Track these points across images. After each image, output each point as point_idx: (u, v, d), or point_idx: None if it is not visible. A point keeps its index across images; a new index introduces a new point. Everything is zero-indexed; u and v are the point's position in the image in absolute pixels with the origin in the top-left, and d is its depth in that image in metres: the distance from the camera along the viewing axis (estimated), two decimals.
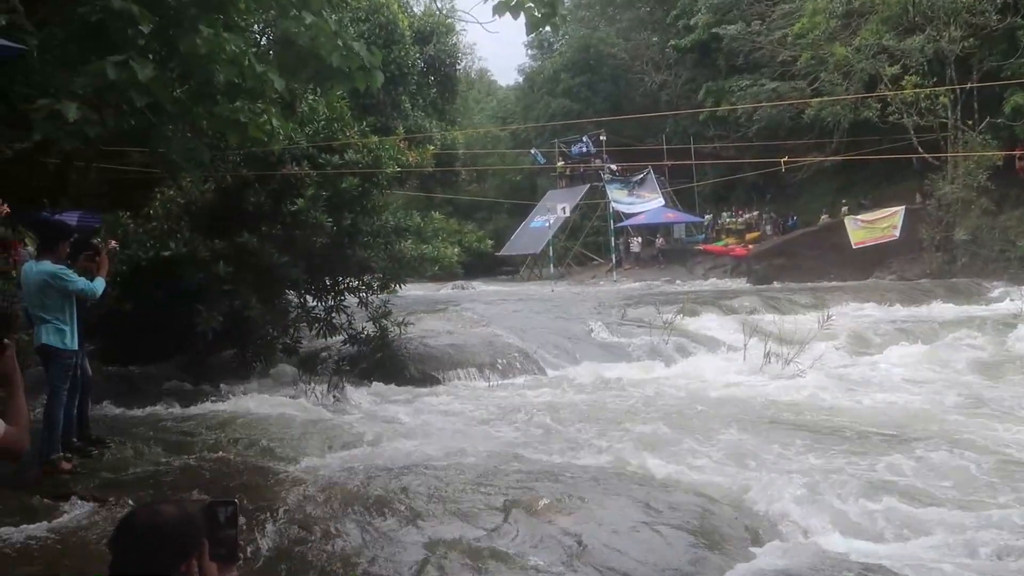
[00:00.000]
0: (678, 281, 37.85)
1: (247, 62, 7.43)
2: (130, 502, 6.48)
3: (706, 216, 46.22)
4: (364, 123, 14.72)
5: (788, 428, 9.71)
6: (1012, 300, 20.70)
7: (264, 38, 12.61)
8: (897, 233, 31.54)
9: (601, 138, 47.92)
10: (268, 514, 6.25)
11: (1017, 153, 29.52)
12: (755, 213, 43.43)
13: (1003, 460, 8.14)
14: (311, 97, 13.47)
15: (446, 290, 37.30)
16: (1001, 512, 6.57)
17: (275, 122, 9.34)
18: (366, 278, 14.21)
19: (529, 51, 67.67)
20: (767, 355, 14.25)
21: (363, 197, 13.36)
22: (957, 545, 5.95)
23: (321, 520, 6.26)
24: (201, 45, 7.02)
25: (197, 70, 7.65)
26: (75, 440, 8.59)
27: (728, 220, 44.17)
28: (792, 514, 6.52)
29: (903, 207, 32.15)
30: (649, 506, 6.50)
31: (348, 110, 14.03)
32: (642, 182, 46.39)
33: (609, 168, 47.34)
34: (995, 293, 24.08)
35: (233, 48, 7.26)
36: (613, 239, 46.32)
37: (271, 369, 14.04)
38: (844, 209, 34.94)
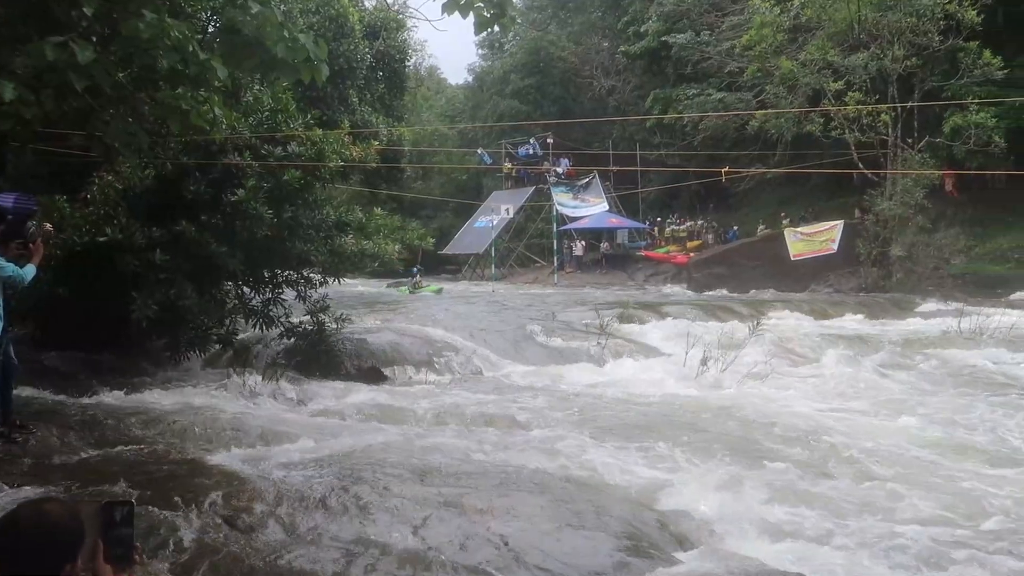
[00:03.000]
0: (618, 286, 38.05)
1: (191, 49, 7.34)
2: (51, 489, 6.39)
3: (647, 222, 46.53)
4: (309, 116, 14.63)
5: (717, 434, 9.82)
6: (944, 318, 21.08)
7: (210, 26, 12.44)
8: (835, 247, 31.99)
9: (548, 141, 48.09)
10: (193, 506, 6.20)
11: (951, 174, 30.07)
12: (698, 222, 43.84)
13: (921, 471, 8.30)
14: (256, 87, 13.35)
15: (387, 286, 37.30)
16: (919, 521, 6.72)
17: (218, 111, 9.23)
18: (305, 272, 14.12)
19: (480, 51, 67.85)
20: (702, 362, 14.39)
21: (305, 190, 13.26)
22: (876, 553, 6.07)
23: (247, 514, 6.22)
24: (144, 29, 6.93)
25: (139, 55, 7.55)
26: None
27: (671, 228, 44.51)
28: (717, 520, 6.60)
29: (841, 221, 32.63)
30: (576, 508, 6.53)
31: (293, 102, 13.93)
32: (587, 186, 46.66)
33: (555, 171, 47.49)
34: (926, 308, 24.49)
35: (177, 34, 7.17)
36: (556, 242, 46.47)
37: (205, 360, 13.90)
38: (785, 221, 35.39)
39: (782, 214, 36.66)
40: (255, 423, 10.05)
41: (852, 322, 21.99)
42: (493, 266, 46.76)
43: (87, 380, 11.91)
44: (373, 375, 13.95)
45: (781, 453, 8.97)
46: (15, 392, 9.12)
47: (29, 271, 8.18)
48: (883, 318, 22.87)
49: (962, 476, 8.23)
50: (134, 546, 2.76)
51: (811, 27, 33.45)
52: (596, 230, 46.16)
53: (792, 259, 32.73)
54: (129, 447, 8.43)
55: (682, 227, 44.11)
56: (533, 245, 49.39)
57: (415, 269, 36.14)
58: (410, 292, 34.56)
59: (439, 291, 35.10)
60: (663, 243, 44.17)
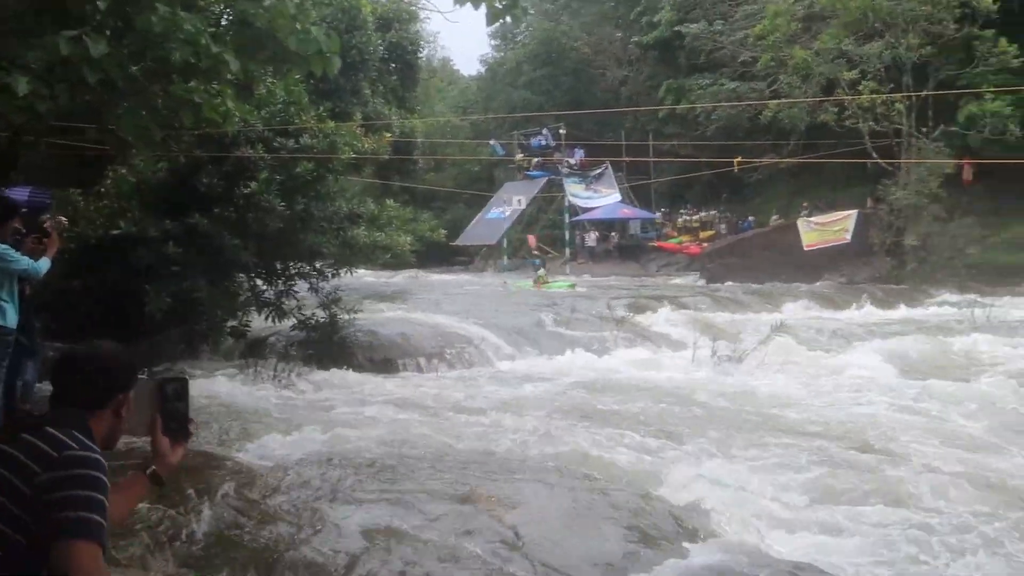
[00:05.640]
0: (631, 276, 38.01)
1: (203, 42, 7.36)
2: None
3: (659, 212, 46.47)
4: (321, 108, 14.64)
5: (729, 425, 9.81)
6: (959, 308, 20.97)
7: (222, 19, 12.48)
8: (848, 236, 31.86)
9: (560, 132, 47.96)
10: (206, 497, 6.22)
11: (964, 163, 29.96)
12: (711, 212, 43.74)
13: (939, 462, 8.26)
14: (269, 80, 13.38)
15: (399, 278, 37.28)
16: (935, 512, 6.71)
17: (230, 103, 9.25)
18: (318, 264, 14.15)
19: (492, 42, 67.68)
20: (715, 352, 14.39)
21: (317, 182, 13.29)
22: (885, 546, 6.06)
23: (259, 504, 6.25)
24: (157, 23, 6.95)
25: (152, 48, 7.57)
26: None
27: (684, 218, 44.43)
28: (727, 511, 6.59)
29: (855, 211, 32.49)
30: (586, 499, 6.55)
31: (306, 94, 13.94)
32: (599, 177, 46.55)
33: (568, 162, 47.42)
34: (941, 298, 24.41)
35: (189, 27, 7.19)
36: (568, 233, 46.41)
37: (218, 352, 13.96)
38: (804, 211, 35.16)
39: (803, 204, 36.41)
40: (268, 415, 10.11)
41: (865, 312, 21.93)
42: (506, 257, 46.71)
43: None
44: (385, 366, 13.99)
45: (794, 445, 8.96)
46: (38, 385, 9.14)
47: (44, 264, 8.22)
48: (897, 308, 22.81)
49: (985, 467, 8.20)
50: (188, 419, 3.06)
51: (825, 16, 33.26)
52: (608, 221, 46.09)
53: (805, 249, 32.60)
54: (141, 439, 8.43)
55: (695, 217, 44.02)
56: (545, 236, 49.34)
57: (537, 261, 34.06)
58: (533, 286, 31.11)
59: (572, 286, 31.28)
60: (676, 233, 44.09)
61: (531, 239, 46.23)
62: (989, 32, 28.99)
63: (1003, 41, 28.68)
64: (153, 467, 2.99)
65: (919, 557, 5.88)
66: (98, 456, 2.68)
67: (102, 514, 2.57)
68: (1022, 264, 28.93)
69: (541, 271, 33.10)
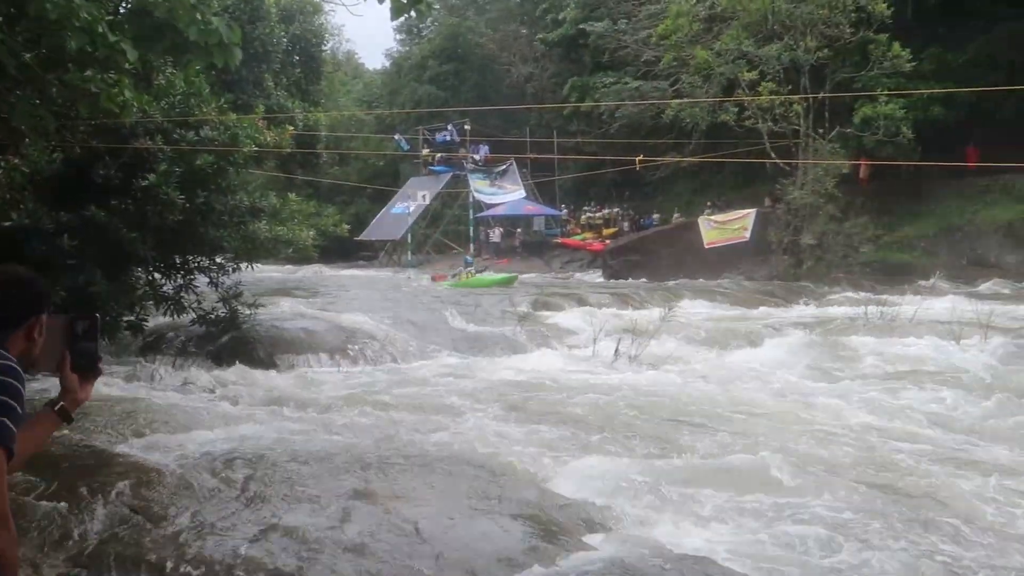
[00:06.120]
0: (535, 273, 38.19)
1: (100, 30, 7.22)
2: None
3: (563, 209, 46.79)
4: (223, 100, 14.42)
5: (629, 420, 9.94)
6: (854, 306, 21.45)
7: (120, 6, 12.23)
8: (748, 235, 32.41)
9: (466, 127, 48.00)
10: (100, 497, 6.11)
11: (860, 164, 30.77)
12: (614, 209, 44.15)
13: (826, 456, 8.48)
14: (168, 70, 13.13)
15: (302, 273, 36.97)
16: (826, 502, 6.89)
17: (128, 93, 9.10)
18: (218, 258, 13.95)
19: (398, 36, 67.47)
20: (615, 348, 14.56)
21: (218, 175, 13.08)
22: (782, 535, 6.20)
23: (155, 503, 6.16)
24: (51, 9, 6.80)
25: (46, 35, 7.42)
26: None
27: (587, 215, 44.78)
28: (626, 504, 6.69)
29: (754, 210, 33.08)
30: (488, 495, 6.58)
31: (207, 85, 13.72)
32: (504, 173, 46.71)
33: (473, 158, 47.47)
34: (838, 296, 24.96)
35: (85, 15, 7.05)
36: (473, 229, 46.47)
37: (114, 347, 13.67)
38: (709, 209, 35.61)
39: (707, 203, 36.96)
40: (165, 412, 9.93)
41: (762, 309, 22.31)
42: (410, 253, 46.60)
43: None
44: (286, 362, 13.85)
45: (691, 438, 9.11)
46: None
47: None
48: (793, 306, 23.27)
49: (878, 457, 8.45)
50: (98, 357, 3.10)
51: (726, 17, 33.75)
52: (513, 217, 46.27)
53: (706, 247, 33.07)
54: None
55: (598, 215, 44.41)
56: (450, 232, 49.33)
57: (469, 258, 32.54)
58: (458, 286, 28.63)
59: (510, 280, 29.78)
60: (579, 230, 44.43)
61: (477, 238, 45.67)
62: (883, 37, 29.71)
63: (896, 46, 29.43)
64: (62, 403, 3.02)
65: (811, 548, 6.03)
66: (13, 364, 2.74)
67: (12, 418, 2.64)
68: (912, 263, 29.92)
69: (471, 268, 31.55)
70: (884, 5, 29.18)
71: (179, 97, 13.06)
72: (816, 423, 9.91)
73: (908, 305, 18.48)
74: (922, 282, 27.15)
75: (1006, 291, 25.20)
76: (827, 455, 8.51)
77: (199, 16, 7.14)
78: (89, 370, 3.05)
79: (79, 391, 3.04)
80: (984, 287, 26.36)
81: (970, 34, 31.69)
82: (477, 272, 31.27)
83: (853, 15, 29.90)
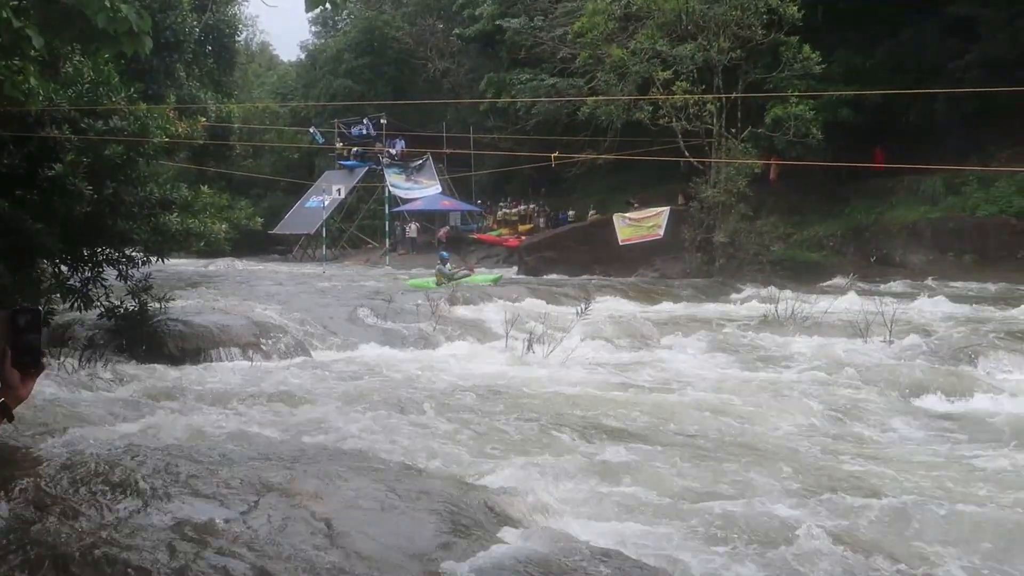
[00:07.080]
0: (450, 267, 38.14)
1: (4, 16, 7.07)
2: None
3: (479, 205, 46.89)
4: (133, 89, 14.16)
5: (543, 415, 9.98)
6: (764, 303, 21.79)
7: None
8: (661, 232, 32.70)
9: (382, 121, 47.92)
10: (2, 492, 5.98)
11: (770, 163, 31.32)
12: (530, 205, 44.35)
13: (735, 450, 8.64)
14: (76, 58, 12.87)
15: (215, 266, 36.50)
16: (741, 497, 7.01)
17: (33, 81, 8.92)
18: (127, 250, 13.72)
19: (313, 28, 67.03)
20: (529, 344, 14.64)
21: (128, 166, 12.86)
22: (696, 531, 6.31)
23: (60, 500, 6.03)
24: None
25: None
26: None
27: (503, 211, 44.92)
28: (541, 499, 6.72)
29: (668, 208, 33.41)
30: (400, 490, 6.56)
31: (116, 74, 13.47)
32: (420, 168, 46.70)
33: (388, 152, 47.32)
34: (748, 294, 25.34)
35: None
36: (388, 223, 46.32)
37: None
38: (634, 206, 35.76)
39: (628, 200, 37.16)
40: (72, 407, 9.75)
41: (674, 306, 22.59)
42: (324, 247, 46.30)
43: None
44: (197, 356, 13.66)
45: (603, 433, 9.20)
46: None
47: None
48: (705, 303, 23.58)
49: (798, 453, 8.61)
50: (41, 351, 2.96)
51: (641, 16, 33.97)
52: (429, 212, 46.23)
53: (621, 244, 33.33)
54: None
55: (514, 210, 44.59)
56: (365, 226, 49.15)
57: (445, 254, 30.73)
58: (438, 286, 25.33)
59: (496, 280, 28.04)
60: (496, 226, 44.54)
61: (442, 232, 45.12)
62: (794, 39, 30.19)
63: (807, 48, 29.92)
64: (2, 399, 2.93)
65: (724, 543, 6.14)
66: None
67: None
68: (821, 262, 30.60)
69: (449, 265, 28.37)
70: (795, 8, 29.66)
71: (87, 86, 12.80)
72: (725, 417, 10.07)
73: (814, 304, 18.82)
74: (831, 281, 27.66)
75: (911, 290, 25.79)
76: (736, 449, 8.66)
77: (108, 3, 7.00)
78: (32, 365, 2.93)
79: (21, 387, 2.93)
80: (890, 286, 26.94)
81: (878, 39, 32.46)
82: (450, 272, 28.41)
83: (765, 17, 30.30)
